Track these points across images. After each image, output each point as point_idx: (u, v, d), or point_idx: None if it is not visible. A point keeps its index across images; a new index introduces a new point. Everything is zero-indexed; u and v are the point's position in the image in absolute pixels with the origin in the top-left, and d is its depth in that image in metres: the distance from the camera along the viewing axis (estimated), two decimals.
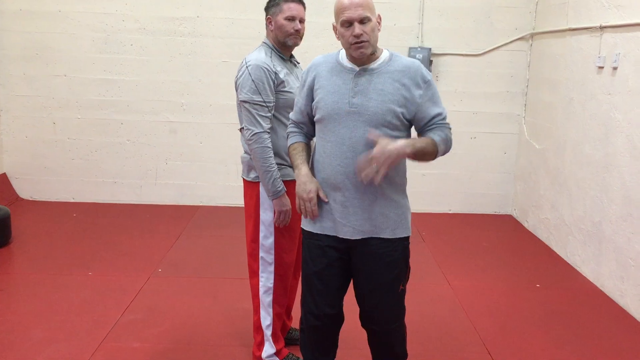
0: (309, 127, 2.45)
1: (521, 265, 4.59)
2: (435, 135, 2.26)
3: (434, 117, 2.27)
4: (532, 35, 5.60)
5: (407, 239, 2.39)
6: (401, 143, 2.14)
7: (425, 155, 2.22)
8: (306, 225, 2.41)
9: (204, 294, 3.84)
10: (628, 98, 3.89)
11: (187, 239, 4.93)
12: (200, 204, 5.95)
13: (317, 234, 2.36)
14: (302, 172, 2.33)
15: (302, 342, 2.55)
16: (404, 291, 2.41)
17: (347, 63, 2.29)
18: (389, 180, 2.28)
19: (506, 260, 4.71)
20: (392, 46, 2.41)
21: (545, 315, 3.70)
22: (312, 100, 2.35)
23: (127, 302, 3.70)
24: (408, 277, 2.43)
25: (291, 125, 2.49)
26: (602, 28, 4.23)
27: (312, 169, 2.39)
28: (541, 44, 5.42)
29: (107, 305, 3.64)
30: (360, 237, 2.30)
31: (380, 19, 2.27)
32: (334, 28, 2.28)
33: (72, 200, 5.93)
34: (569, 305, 3.88)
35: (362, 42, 2.19)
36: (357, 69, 2.25)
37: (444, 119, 2.30)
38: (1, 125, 5.81)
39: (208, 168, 5.89)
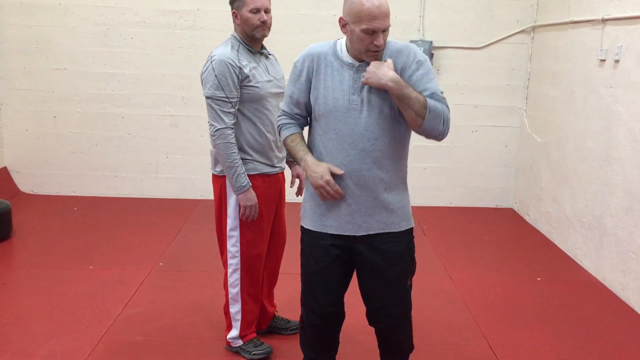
0: (304, 118, 2.39)
1: (522, 259, 4.59)
2: (431, 101, 2.14)
3: (431, 94, 2.16)
4: (533, 28, 5.58)
5: (411, 231, 2.38)
6: (393, 74, 2.12)
7: (409, 105, 2.10)
8: (308, 223, 2.38)
9: (204, 288, 3.84)
10: (630, 91, 3.88)
11: (188, 233, 4.93)
12: (201, 198, 5.94)
13: (319, 232, 2.35)
14: (308, 162, 2.26)
15: (303, 340, 2.54)
16: (411, 286, 2.40)
17: (347, 58, 2.24)
18: (392, 175, 2.27)
19: (507, 254, 4.71)
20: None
21: (546, 309, 3.70)
22: (309, 91, 2.30)
23: (128, 296, 3.70)
24: (414, 271, 2.42)
25: (283, 117, 2.40)
26: (604, 21, 4.21)
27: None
28: (543, 36, 5.40)
29: (108, 299, 3.64)
30: (365, 233, 2.29)
31: None
32: (342, 22, 2.19)
33: (73, 194, 5.93)
34: (570, 298, 3.88)
35: (379, 51, 2.16)
36: (357, 63, 2.22)
37: (442, 96, 2.20)
38: (2, 119, 5.81)
39: (209, 162, 5.80)
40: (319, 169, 2.22)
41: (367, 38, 2.12)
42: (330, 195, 2.22)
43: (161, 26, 5.64)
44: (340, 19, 2.21)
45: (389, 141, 2.23)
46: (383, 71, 2.11)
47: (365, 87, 2.19)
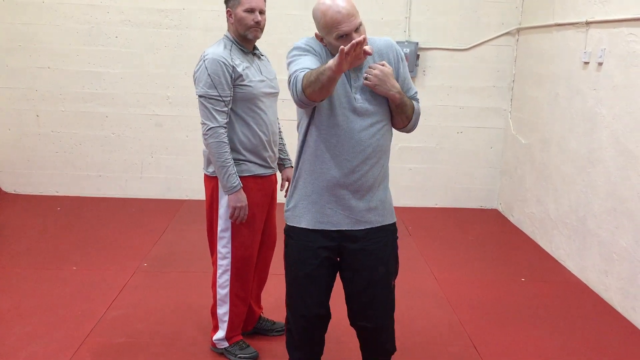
0: None
1: (506, 259, 4.62)
2: (415, 104, 2.34)
3: (414, 93, 2.37)
4: (518, 30, 5.62)
5: (396, 231, 2.42)
6: (398, 86, 2.23)
7: (404, 111, 2.28)
8: (302, 222, 2.35)
9: (189, 289, 3.82)
10: (613, 93, 3.92)
11: (173, 233, 4.91)
12: (186, 198, 5.92)
13: (308, 233, 2.33)
14: (330, 61, 1.98)
15: (289, 342, 2.54)
16: (394, 287, 2.42)
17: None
18: (385, 170, 2.35)
19: (492, 254, 4.74)
20: None
21: (530, 309, 3.73)
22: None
23: (112, 297, 3.67)
24: (397, 272, 2.44)
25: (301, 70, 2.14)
26: (588, 23, 4.25)
27: (312, 169, 2.31)
28: (527, 39, 5.44)
29: (91, 300, 3.61)
30: (363, 228, 2.31)
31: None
32: (319, 38, 2.22)
33: (56, 194, 5.87)
34: (553, 299, 3.91)
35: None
36: None
37: (417, 95, 2.40)
38: None
39: (194, 162, 5.85)
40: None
41: (344, 43, 2.10)
42: (355, 50, 1.89)
43: (146, 25, 5.60)
44: (316, 35, 2.24)
45: (386, 137, 2.32)
46: (391, 82, 2.19)
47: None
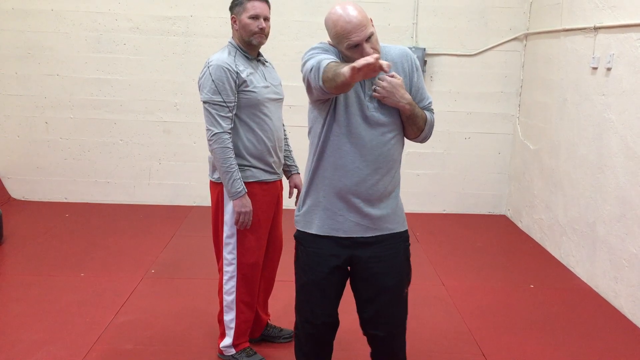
0: None
1: (515, 266, 4.59)
2: (428, 115, 2.33)
3: (428, 103, 2.35)
4: (526, 36, 5.61)
5: (408, 238, 2.41)
6: (409, 96, 2.21)
7: (415, 122, 2.27)
8: (313, 228, 2.33)
9: (197, 295, 3.82)
10: (622, 99, 3.90)
11: (181, 240, 4.91)
12: (194, 204, 5.92)
13: (318, 240, 2.32)
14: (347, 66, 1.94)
15: (298, 348, 2.53)
16: (407, 295, 2.41)
17: None
18: (397, 178, 2.34)
19: (500, 261, 4.71)
20: None
21: (539, 316, 3.70)
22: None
23: (120, 303, 3.67)
24: (410, 281, 2.43)
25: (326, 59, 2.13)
26: (596, 29, 4.23)
27: (323, 175, 2.29)
28: (535, 44, 5.42)
29: (99, 306, 3.62)
30: (373, 235, 2.30)
31: (371, 21, 2.19)
32: (331, 45, 2.22)
33: (65, 201, 5.90)
34: (563, 305, 3.88)
35: None
36: None
37: (431, 105, 2.38)
38: None
39: (202, 168, 5.83)
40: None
41: (355, 53, 2.10)
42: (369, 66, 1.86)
43: (154, 32, 5.63)
44: (329, 43, 2.24)
45: (397, 147, 2.31)
46: (401, 93, 2.18)
47: None
